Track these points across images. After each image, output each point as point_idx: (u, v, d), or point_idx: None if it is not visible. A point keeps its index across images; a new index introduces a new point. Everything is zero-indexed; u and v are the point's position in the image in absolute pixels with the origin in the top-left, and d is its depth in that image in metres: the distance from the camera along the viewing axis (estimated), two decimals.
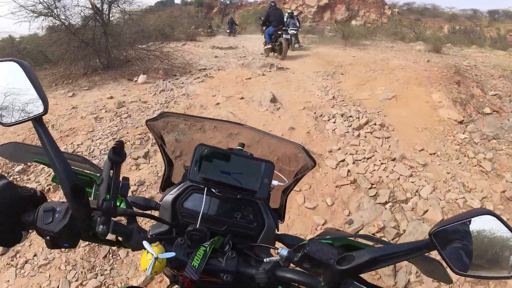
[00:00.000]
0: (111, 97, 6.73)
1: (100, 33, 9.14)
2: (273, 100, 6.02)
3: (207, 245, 0.82)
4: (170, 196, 0.98)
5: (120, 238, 0.87)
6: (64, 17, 8.95)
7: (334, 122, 5.47)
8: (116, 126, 5.34)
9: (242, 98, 6.33)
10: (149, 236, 0.89)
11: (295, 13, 18.02)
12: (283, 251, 0.80)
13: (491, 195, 4.06)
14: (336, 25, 19.47)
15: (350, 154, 4.62)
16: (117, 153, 0.79)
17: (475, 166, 4.65)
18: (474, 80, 8.18)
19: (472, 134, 5.45)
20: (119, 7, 9.77)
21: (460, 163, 4.70)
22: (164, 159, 1.22)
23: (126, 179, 0.86)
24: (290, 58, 10.52)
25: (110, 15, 9.64)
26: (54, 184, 3.92)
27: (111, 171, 0.80)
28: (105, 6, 9.41)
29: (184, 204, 0.97)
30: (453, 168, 4.55)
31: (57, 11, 8.78)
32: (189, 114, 1.93)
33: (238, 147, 1.15)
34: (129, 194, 0.93)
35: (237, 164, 0.90)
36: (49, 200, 0.84)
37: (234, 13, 39.08)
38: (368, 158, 4.52)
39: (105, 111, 6.00)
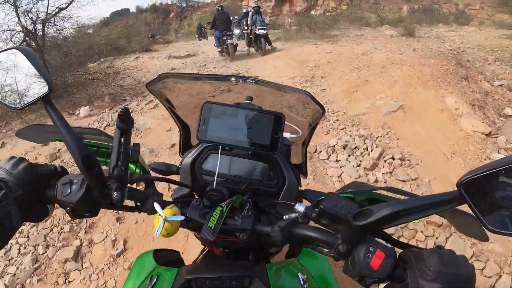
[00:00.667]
0: (46, 144, 5.05)
1: None
2: None
3: (224, 205, 0.82)
4: (188, 158, 0.98)
5: (139, 204, 0.86)
6: None
7: (337, 161, 3.87)
8: None
9: None
10: (172, 199, 0.94)
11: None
12: (300, 207, 0.77)
13: None
14: (298, 18, 18.82)
15: None
16: (124, 121, 0.78)
17: None
18: (478, 70, 6.95)
19: (510, 151, 4.22)
20: (56, 25, 8.17)
21: None
22: (177, 122, 1.17)
23: (136, 145, 0.84)
24: (258, 61, 9.09)
25: (46, 36, 8.04)
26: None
27: (121, 139, 0.79)
28: (38, 27, 7.79)
29: (202, 165, 0.97)
30: None
31: None
32: (188, 73, 1.05)
33: (246, 101, 1.11)
34: None
35: (246, 119, 0.87)
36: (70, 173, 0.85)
37: (192, 15, 38.43)
38: (402, 227, 2.99)
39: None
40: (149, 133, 4.88)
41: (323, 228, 0.74)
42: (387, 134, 4.43)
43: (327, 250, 0.74)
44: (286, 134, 1.06)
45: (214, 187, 0.88)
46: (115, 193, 0.78)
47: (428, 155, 4.01)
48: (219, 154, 0.92)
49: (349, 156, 3.94)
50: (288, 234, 0.77)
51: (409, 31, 12.09)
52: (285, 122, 0.89)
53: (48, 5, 7.92)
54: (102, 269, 2.77)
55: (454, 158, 4.00)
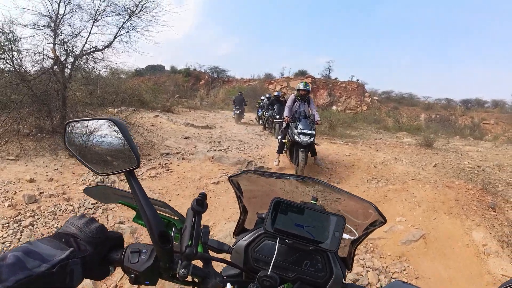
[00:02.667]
0: (32, 180, 5.06)
1: (57, 89, 7.42)
2: None
3: None
4: (243, 241, 1.01)
5: (196, 280, 0.90)
6: (17, 61, 7.28)
7: None
8: (9, 242, 3.65)
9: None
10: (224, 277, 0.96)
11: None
12: None
13: None
14: (319, 111, 19.01)
15: None
16: (200, 204, 0.84)
17: None
18: (503, 198, 6.44)
19: None
20: (87, 63, 8.32)
21: None
22: (240, 207, 1.24)
23: (206, 227, 0.92)
24: (272, 149, 8.75)
25: (74, 70, 8.13)
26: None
27: (193, 219, 0.84)
28: (70, 59, 7.96)
29: (256, 250, 0.99)
30: None
31: (10, 53, 7.07)
32: (266, 171, 1.19)
33: (311, 201, 1.16)
34: None
35: (310, 217, 0.92)
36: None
37: (220, 87, 39.51)
38: None
39: (8, 205, 4.25)
40: None
41: None
42: (404, 270, 3.83)
43: None
44: (345, 236, 1.10)
45: (269, 273, 0.89)
46: (182, 270, 0.79)
47: None
48: (276, 244, 0.94)
49: None
50: None
51: (427, 142, 11.89)
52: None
53: (85, 43, 8.18)
54: None
55: None
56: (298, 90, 7.35)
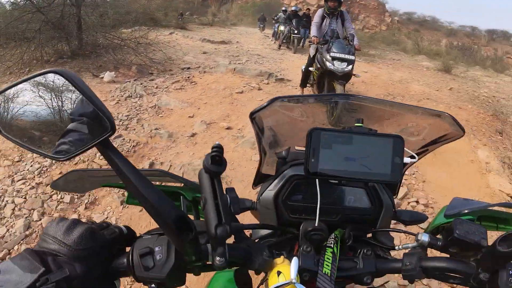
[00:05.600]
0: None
1: (71, 13, 7.37)
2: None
3: (332, 245, 0.74)
4: (269, 192, 0.85)
5: (236, 262, 0.71)
6: None
7: None
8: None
9: (228, 128, 4.58)
10: (255, 241, 0.86)
11: (293, 9, 14.79)
12: (424, 236, 0.71)
13: None
14: None
15: None
16: (217, 162, 0.61)
17: None
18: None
19: None
20: None
21: None
22: (260, 150, 1.03)
23: (231, 191, 0.69)
24: (290, 63, 8.83)
25: None
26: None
27: (211, 185, 0.62)
28: None
29: (289, 198, 0.84)
30: None
31: None
32: (300, 95, 1.39)
33: (356, 124, 0.91)
34: None
35: (361, 145, 0.72)
36: (138, 235, 0.69)
37: (232, 3, 37.94)
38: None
39: None
40: (170, 115, 4.77)
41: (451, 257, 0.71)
42: (413, 174, 4.24)
43: (459, 281, 0.70)
44: (406, 160, 0.91)
45: (316, 225, 0.77)
46: (218, 258, 0.61)
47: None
48: (317, 187, 0.79)
49: None
50: (420, 268, 0.70)
51: (446, 67, 11.85)
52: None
53: None
54: None
55: None
56: (326, 1, 5.67)
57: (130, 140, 3.98)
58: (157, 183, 0.99)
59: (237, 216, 0.71)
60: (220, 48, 10.56)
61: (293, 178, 0.84)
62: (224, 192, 0.65)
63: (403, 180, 3.80)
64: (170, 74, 6.70)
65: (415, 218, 0.91)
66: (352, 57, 5.13)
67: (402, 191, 3.81)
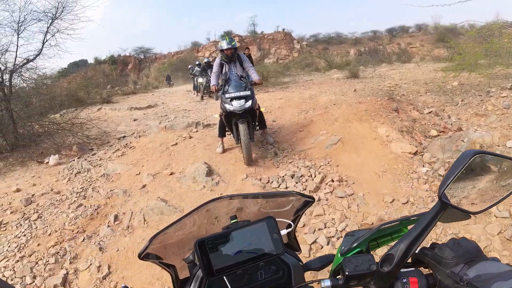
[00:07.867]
0: (18, 190, 5.43)
1: (2, 108, 7.67)
2: (209, 173, 5.01)
3: None
4: None
5: None
6: None
7: (286, 188, 4.58)
8: (25, 236, 4.06)
9: (171, 173, 5.27)
10: None
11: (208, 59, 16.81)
12: (326, 282, 0.80)
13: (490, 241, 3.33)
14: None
15: (319, 229, 3.69)
16: None
17: None
18: (408, 102, 7.94)
19: (433, 164, 4.91)
20: (22, 76, 8.48)
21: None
22: (166, 269, 1.11)
23: None
24: (214, 109, 9.71)
25: (13, 86, 8.28)
26: None
27: None
28: (6, 76, 8.08)
29: None
30: None
31: None
32: (173, 222, 1.11)
33: (232, 222, 1.06)
34: None
35: (241, 237, 0.86)
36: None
37: (150, 67, 38.56)
38: (341, 231, 3.63)
39: (11, 212, 4.67)
40: (120, 178, 5.38)
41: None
42: (328, 163, 5.16)
43: None
44: (283, 232, 1.01)
45: None
46: None
47: (362, 175, 4.76)
48: (226, 280, 0.92)
49: (296, 183, 4.65)
50: None
51: (353, 73, 13.21)
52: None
53: (16, 56, 8.28)
54: None
55: (384, 176, 4.75)
56: (222, 50, 5.78)
57: (91, 205, 4.52)
58: None
59: None
60: (148, 112, 11.05)
61: (205, 278, 0.93)
62: None
63: (319, 169, 4.69)
64: (109, 146, 7.18)
65: (324, 261, 1.02)
66: (247, 93, 5.13)
67: (319, 177, 4.68)
